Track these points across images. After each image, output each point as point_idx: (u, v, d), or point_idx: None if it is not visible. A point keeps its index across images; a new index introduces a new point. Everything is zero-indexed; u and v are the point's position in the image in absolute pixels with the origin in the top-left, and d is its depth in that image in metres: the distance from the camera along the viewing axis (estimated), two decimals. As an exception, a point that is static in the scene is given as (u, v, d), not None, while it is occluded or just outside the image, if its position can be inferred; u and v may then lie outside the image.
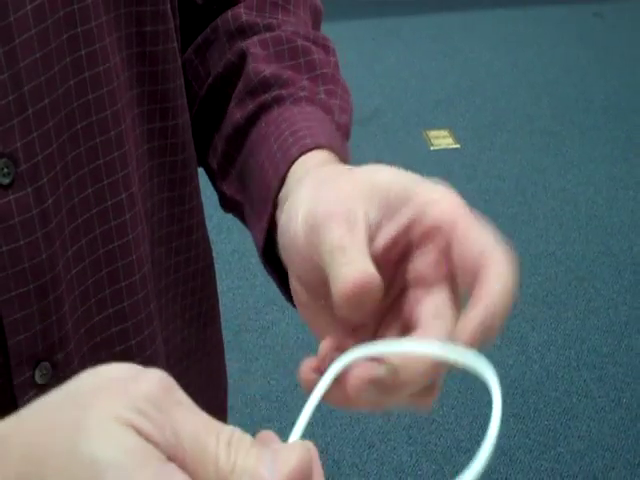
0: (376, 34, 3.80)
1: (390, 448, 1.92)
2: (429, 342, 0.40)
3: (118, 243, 0.53)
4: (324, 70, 0.60)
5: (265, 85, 0.58)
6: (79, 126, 0.50)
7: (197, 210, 0.63)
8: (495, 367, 1.59)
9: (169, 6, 0.56)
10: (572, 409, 1.98)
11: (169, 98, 0.57)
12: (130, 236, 0.54)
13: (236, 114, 0.60)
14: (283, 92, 0.58)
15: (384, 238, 0.43)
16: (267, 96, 0.58)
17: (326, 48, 0.62)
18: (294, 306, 0.50)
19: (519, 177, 2.89)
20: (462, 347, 0.38)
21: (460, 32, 3.94)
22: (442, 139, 3.05)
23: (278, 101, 0.58)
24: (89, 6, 0.49)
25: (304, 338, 2.18)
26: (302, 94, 0.58)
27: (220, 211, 0.64)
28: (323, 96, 0.59)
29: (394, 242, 0.43)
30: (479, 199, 2.77)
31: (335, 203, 0.43)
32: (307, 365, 0.42)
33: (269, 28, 0.61)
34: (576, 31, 4.07)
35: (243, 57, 0.60)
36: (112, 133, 0.51)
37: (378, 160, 0.46)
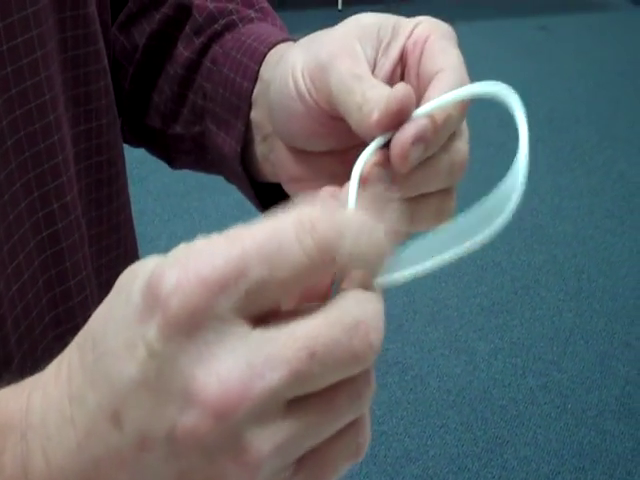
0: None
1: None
2: (450, 92, 0.41)
3: (52, 251, 0.53)
4: (262, 5, 0.61)
5: (212, 19, 0.59)
6: (9, 143, 0.49)
7: (125, 206, 0.63)
8: (443, 377, 1.64)
9: (90, 10, 0.56)
10: (519, 416, 2.01)
11: (92, 99, 0.58)
12: (64, 243, 0.53)
13: (184, 54, 0.60)
14: (233, 17, 0.58)
15: (381, 73, 0.44)
16: (216, 26, 0.58)
17: None
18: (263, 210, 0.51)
19: (466, 188, 2.92)
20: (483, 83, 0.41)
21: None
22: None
23: (229, 27, 0.58)
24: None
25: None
26: (253, 15, 0.59)
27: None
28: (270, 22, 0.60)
29: (391, 76, 0.44)
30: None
31: (334, 44, 0.44)
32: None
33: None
34: (522, 44, 4.14)
35: (182, 6, 0.60)
36: (42, 145, 0.51)
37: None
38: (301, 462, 0.31)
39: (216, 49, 0.58)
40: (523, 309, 2.35)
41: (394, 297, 2.41)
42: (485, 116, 2.78)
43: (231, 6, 0.59)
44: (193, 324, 0.27)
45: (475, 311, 2.35)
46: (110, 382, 0.29)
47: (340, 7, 4.52)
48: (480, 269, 2.51)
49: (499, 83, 0.40)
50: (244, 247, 0.28)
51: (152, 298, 0.28)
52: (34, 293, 0.52)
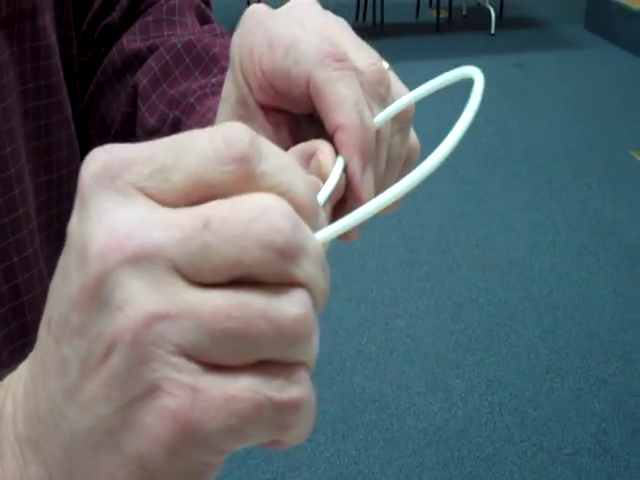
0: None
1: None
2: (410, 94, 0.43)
3: (11, 305, 0.53)
4: (212, 51, 0.62)
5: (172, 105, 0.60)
6: None
7: None
8: (420, 415, 1.63)
9: (53, 61, 0.56)
10: (495, 454, 2.00)
11: (53, 150, 0.58)
12: (25, 298, 0.54)
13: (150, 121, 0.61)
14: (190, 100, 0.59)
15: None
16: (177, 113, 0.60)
17: (212, 31, 0.64)
18: None
19: (442, 225, 2.94)
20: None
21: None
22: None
23: (187, 113, 0.60)
24: None
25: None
26: (208, 90, 0.60)
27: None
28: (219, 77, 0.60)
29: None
30: (403, 248, 2.81)
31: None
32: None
33: (153, 49, 0.62)
34: (498, 81, 4.18)
35: (135, 102, 0.61)
36: (1, 199, 0.52)
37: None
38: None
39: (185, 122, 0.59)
40: (499, 346, 2.35)
41: (371, 334, 2.41)
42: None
43: (182, 89, 0.60)
44: (95, 191, 0.28)
45: (452, 348, 2.34)
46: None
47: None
48: (457, 306, 2.52)
49: (453, 71, 0.41)
50: (158, 141, 0.29)
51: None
52: None
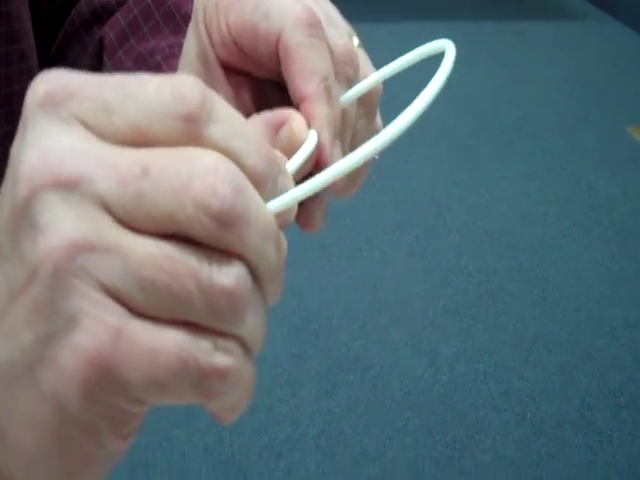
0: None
1: (298, 457, 1.91)
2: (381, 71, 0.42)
3: None
4: (184, 9, 0.59)
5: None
6: None
7: None
8: (404, 378, 1.61)
9: (14, 7, 0.53)
10: (478, 422, 2.01)
11: (13, 101, 0.55)
12: None
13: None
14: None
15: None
16: None
17: None
18: None
19: (434, 190, 2.92)
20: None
21: (381, 40, 3.97)
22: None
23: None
24: None
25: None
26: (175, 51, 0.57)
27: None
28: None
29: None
30: (394, 210, 2.79)
31: None
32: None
33: (121, 2, 0.59)
34: (495, 48, 4.15)
35: (101, 56, 0.59)
36: None
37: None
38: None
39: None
40: (487, 314, 2.35)
41: (358, 294, 2.39)
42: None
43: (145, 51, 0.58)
44: (37, 116, 0.27)
45: (439, 313, 2.34)
46: None
47: None
48: (445, 271, 2.51)
49: (423, 46, 0.40)
50: (110, 78, 0.28)
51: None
52: None
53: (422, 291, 2.42)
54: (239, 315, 0.27)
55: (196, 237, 0.26)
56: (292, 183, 0.31)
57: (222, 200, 0.26)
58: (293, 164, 0.35)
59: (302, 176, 0.36)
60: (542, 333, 2.29)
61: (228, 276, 0.27)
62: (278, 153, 0.33)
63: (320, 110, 0.37)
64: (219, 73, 0.41)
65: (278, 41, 0.38)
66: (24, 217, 0.26)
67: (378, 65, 0.44)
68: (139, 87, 0.27)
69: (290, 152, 0.36)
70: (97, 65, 0.59)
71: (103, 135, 0.27)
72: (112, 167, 0.26)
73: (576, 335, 2.29)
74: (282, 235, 0.29)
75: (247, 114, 0.39)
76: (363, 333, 2.26)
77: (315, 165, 0.38)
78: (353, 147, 0.41)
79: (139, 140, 0.27)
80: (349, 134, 0.41)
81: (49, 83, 0.27)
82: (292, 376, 2.12)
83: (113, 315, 0.25)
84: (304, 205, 0.39)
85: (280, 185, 0.30)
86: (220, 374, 0.27)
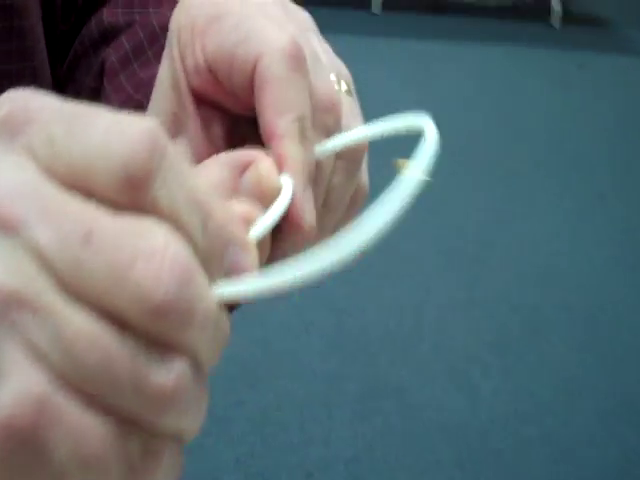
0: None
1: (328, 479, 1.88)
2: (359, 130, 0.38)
3: None
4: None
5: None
6: None
7: None
8: (441, 410, 1.57)
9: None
10: (515, 465, 1.96)
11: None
12: None
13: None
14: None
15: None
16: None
17: None
18: None
19: (484, 219, 2.88)
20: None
21: (442, 62, 3.94)
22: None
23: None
24: None
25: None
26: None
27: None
28: None
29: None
30: (442, 236, 2.75)
31: None
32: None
33: (130, 24, 0.56)
34: (555, 79, 4.10)
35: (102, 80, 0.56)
36: None
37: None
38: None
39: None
40: (530, 352, 2.30)
41: (400, 319, 2.36)
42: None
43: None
44: None
45: (481, 347, 2.30)
46: None
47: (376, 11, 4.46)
48: (491, 304, 2.46)
49: (412, 115, 0.36)
50: (72, 105, 0.26)
51: None
52: None
53: (465, 322, 2.38)
54: (175, 415, 0.25)
55: (133, 325, 0.24)
56: (253, 259, 0.28)
57: (165, 292, 0.23)
58: (262, 225, 0.32)
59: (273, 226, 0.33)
60: (586, 377, 2.24)
61: (166, 374, 0.24)
62: (243, 210, 0.31)
63: (292, 151, 0.34)
64: (189, 103, 0.38)
65: (255, 68, 0.35)
66: None
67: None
68: (88, 125, 0.25)
69: (257, 199, 0.33)
70: (97, 88, 0.57)
71: (51, 173, 0.24)
72: (56, 220, 0.24)
73: (621, 382, 2.24)
74: (225, 318, 0.26)
75: (216, 152, 0.36)
76: (402, 359, 2.22)
77: (286, 218, 0.34)
78: (328, 206, 0.38)
79: (81, 188, 0.24)
80: (322, 189, 0.37)
81: (13, 103, 0.25)
82: (328, 396, 2.09)
83: (39, 383, 0.23)
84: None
85: (236, 264, 0.27)
86: (151, 471, 0.25)
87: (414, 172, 0.31)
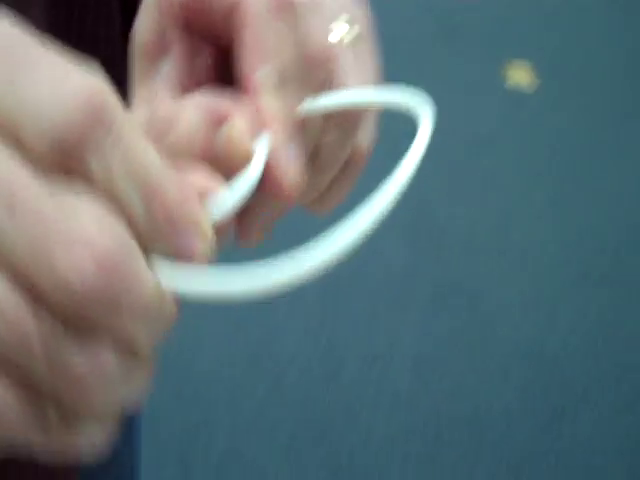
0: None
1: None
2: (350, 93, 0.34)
3: None
4: None
5: None
6: None
7: None
8: (517, 327, 1.44)
9: None
10: (584, 393, 1.88)
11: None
12: None
13: None
14: None
15: None
16: None
17: None
18: None
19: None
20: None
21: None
22: (521, 74, 2.82)
23: None
24: None
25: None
26: None
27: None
28: None
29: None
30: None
31: None
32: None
33: None
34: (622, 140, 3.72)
35: None
36: None
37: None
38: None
39: None
40: (619, 281, 2.18)
41: (485, 223, 2.27)
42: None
43: None
44: None
45: (568, 270, 2.19)
46: None
47: None
48: (581, 219, 2.34)
49: (415, 93, 0.33)
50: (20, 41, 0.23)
51: None
52: None
53: (553, 246, 2.28)
54: (94, 395, 0.23)
55: (51, 306, 0.22)
56: (204, 244, 0.25)
57: (85, 284, 0.22)
58: (229, 198, 0.28)
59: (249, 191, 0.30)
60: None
61: (84, 358, 0.23)
62: (201, 184, 0.28)
63: (270, 104, 0.31)
64: (173, 27, 0.34)
65: (234, 6, 0.32)
66: None
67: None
68: (28, 75, 0.23)
69: (229, 161, 0.30)
70: None
71: None
72: None
73: None
74: (166, 301, 0.24)
75: (197, 85, 0.34)
76: (483, 264, 2.14)
77: (265, 178, 0.31)
78: (318, 166, 0.35)
79: (12, 143, 0.22)
80: (309, 149, 0.34)
81: None
82: (402, 290, 2.02)
83: None
84: (240, 215, 0.33)
85: (184, 248, 0.25)
86: (69, 436, 0.24)
87: (404, 168, 0.28)
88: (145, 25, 0.35)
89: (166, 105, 0.32)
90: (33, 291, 0.22)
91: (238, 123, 0.31)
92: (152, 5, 0.35)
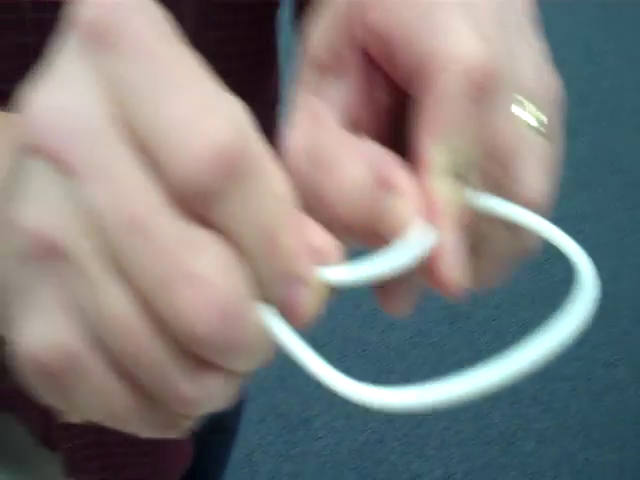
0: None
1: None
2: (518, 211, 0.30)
3: None
4: None
5: None
6: None
7: None
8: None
9: None
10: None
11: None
12: None
13: None
14: None
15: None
16: None
17: None
18: None
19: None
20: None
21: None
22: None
23: None
24: None
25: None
26: None
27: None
28: None
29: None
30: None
31: None
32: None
33: None
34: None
35: None
36: None
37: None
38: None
39: None
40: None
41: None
42: None
43: None
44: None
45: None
46: None
47: None
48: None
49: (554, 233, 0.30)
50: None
51: None
52: None
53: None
54: (194, 410, 0.25)
55: (168, 331, 0.23)
56: (311, 299, 0.25)
57: (199, 325, 0.22)
58: (363, 270, 0.27)
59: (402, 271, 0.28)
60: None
61: (192, 387, 0.24)
62: (319, 243, 0.26)
63: (442, 191, 0.28)
64: (349, 50, 0.31)
65: (424, 67, 0.28)
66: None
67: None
68: (173, 95, 0.22)
69: (377, 229, 0.28)
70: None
71: (121, 123, 0.23)
72: (116, 190, 0.22)
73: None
74: (268, 344, 0.25)
75: (376, 122, 0.32)
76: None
77: (427, 268, 0.28)
78: (484, 254, 0.31)
79: (146, 156, 0.23)
80: (469, 238, 0.30)
81: (104, 9, 0.23)
82: None
83: (73, 337, 0.23)
84: (385, 284, 0.31)
85: (290, 299, 0.25)
86: (173, 433, 0.27)
87: (568, 323, 0.26)
88: (321, 34, 0.32)
89: (332, 139, 0.29)
90: (155, 314, 0.23)
91: (408, 202, 0.28)
92: (333, 17, 0.31)
